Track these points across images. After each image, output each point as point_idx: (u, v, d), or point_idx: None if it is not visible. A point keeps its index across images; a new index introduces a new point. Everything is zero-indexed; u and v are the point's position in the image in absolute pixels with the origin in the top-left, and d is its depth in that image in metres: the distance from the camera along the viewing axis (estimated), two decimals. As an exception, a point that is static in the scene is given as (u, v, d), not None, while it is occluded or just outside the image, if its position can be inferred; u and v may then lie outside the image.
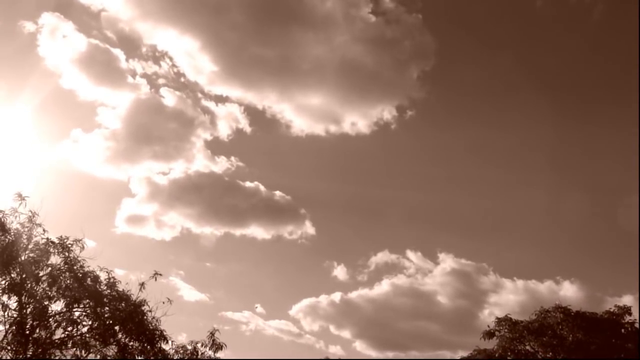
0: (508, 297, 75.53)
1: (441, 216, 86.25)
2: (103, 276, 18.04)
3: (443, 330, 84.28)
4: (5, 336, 17.20)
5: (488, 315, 78.15)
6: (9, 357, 17.14)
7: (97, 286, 17.64)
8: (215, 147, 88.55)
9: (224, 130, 79.64)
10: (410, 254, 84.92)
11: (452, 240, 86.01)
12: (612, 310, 30.18)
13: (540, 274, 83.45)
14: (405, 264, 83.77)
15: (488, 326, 31.54)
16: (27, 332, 16.94)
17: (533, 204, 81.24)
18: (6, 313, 17.16)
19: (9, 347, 17.19)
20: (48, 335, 16.97)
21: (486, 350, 30.76)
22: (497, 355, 29.94)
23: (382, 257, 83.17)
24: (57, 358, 17.20)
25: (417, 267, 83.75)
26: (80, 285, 17.20)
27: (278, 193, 79.73)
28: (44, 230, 17.99)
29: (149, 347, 18.10)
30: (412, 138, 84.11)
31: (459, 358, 32.09)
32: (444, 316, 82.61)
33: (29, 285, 17.25)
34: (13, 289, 16.90)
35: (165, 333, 18.50)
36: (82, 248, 17.98)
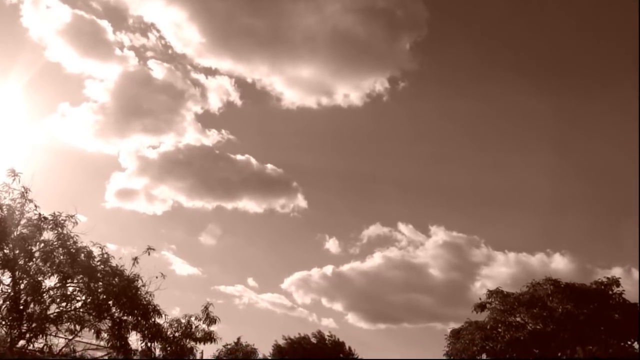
0: (500, 270, 76.20)
1: (433, 189, 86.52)
2: (96, 251, 18.11)
3: (435, 303, 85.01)
4: (0, 311, 17.26)
5: (480, 288, 78.92)
6: (3, 332, 17.26)
7: (91, 262, 17.69)
8: (206, 120, 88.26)
9: (214, 103, 79.16)
10: (402, 226, 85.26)
11: (444, 213, 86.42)
12: (600, 281, 30.61)
13: (531, 247, 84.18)
14: (397, 237, 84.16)
15: (480, 298, 32.04)
16: (21, 307, 17.02)
17: (525, 178, 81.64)
18: (0, 288, 17.21)
19: (3, 322, 17.27)
20: (42, 310, 17.04)
21: (477, 322, 31.21)
22: (488, 327, 30.39)
23: (374, 230, 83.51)
24: (51, 332, 17.31)
25: (409, 240, 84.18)
26: (74, 261, 17.25)
27: (270, 166, 79.64)
28: (35, 206, 17.95)
29: (143, 321, 18.25)
30: (404, 110, 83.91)
31: (450, 330, 32.49)
32: (435, 289, 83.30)
33: (22, 261, 17.28)
34: (6, 264, 16.93)
35: (158, 307, 18.65)
36: (75, 224, 18.00)
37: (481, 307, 31.45)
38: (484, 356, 30.42)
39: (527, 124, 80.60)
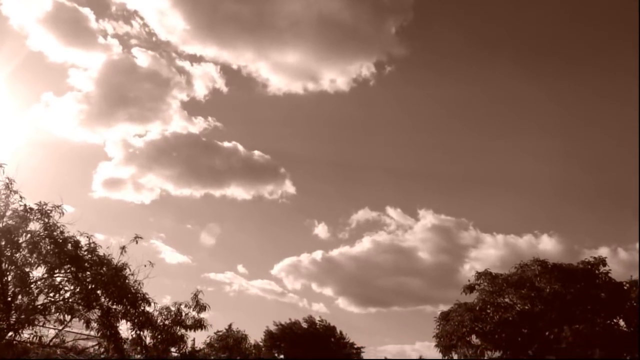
0: (488, 252, 76.76)
1: (421, 173, 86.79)
2: (83, 241, 18.03)
3: (424, 286, 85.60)
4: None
5: (469, 270, 79.48)
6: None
7: (78, 251, 17.60)
8: (192, 107, 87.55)
9: (200, 91, 78.60)
10: (390, 210, 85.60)
11: (432, 196, 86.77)
12: (587, 260, 30.91)
13: (519, 229, 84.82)
14: (386, 221, 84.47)
15: (468, 280, 32.25)
16: (9, 298, 16.93)
17: (513, 161, 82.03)
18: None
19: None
20: (30, 301, 16.97)
21: (467, 303, 31.42)
22: (477, 308, 30.62)
23: (362, 214, 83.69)
24: (40, 323, 17.26)
25: (398, 224, 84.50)
26: (61, 251, 17.16)
27: (257, 153, 79.44)
28: (21, 197, 17.81)
29: (132, 309, 18.24)
30: (391, 95, 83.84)
31: (440, 312, 32.71)
32: (425, 272, 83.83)
33: (9, 252, 17.16)
34: (-7, 256, 16.82)
35: (147, 296, 18.64)
36: (62, 214, 17.88)
37: (470, 288, 31.68)
38: (473, 337, 30.68)
39: (515, 107, 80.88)
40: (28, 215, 17.48)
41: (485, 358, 30.57)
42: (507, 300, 30.98)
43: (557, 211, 78.57)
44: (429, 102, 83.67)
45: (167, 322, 20.05)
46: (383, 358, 68.48)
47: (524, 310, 30.18)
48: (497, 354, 30.43)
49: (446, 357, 31.46)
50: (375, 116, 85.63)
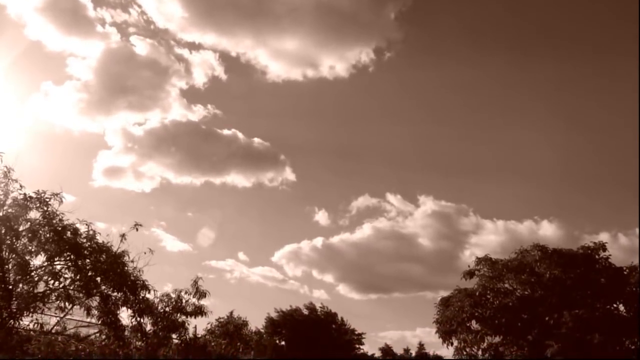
0: (489, 238, 76.90)
1: (421, 159, 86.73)
2: (82, 229, 18.04)
3: (425, 272, 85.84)
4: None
5: (469, 256, 79.71)
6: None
7: (77, 239, 17.64)
8: (191, 95, 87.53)
9: (199, 78, 78.47)
10: (390, 197, 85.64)
11: (432, 182, 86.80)
12: (587, 246, 30.94)
13: (519, 214, 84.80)
14: (386, 207, 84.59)
15: (468, 266, 32.38)
16: (10, 286, 16.99)
17: (513, 146, 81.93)
18: (-12, 269, 17.14)
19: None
20: (31, 289, 17.03)
21: (467, 289, 31.53)
22: (477, 293, 30.73)
23: (362, 201, 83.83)
24: (41, 311, 17.33)
25: (398, 210, 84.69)
26: (60, 239, 17.20)
27: (257, 140, 79.38)
28: (20, 186, 17.81)
29: (132, 297, 18.31)
30: (390, 80, 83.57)
31: (440, 298, 32.82)
32: (425, 258, 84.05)
33: (9, 240, 17.20)
34: (-6, 244, 16.86)
35: (147, 283, 18.70)
36: (61, 202, 17.90)
37: (470, 274, 31.78)
38: (473, 322, 30.82)
39: (515, 91, 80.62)
40: (27, 203, 17.48)
41: (485, 343, 30.73)
42: (507, 285, 31.11)
43: (557, 197, 78.63)
44: (428, 87, 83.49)
45: (167, 309, 20.18)
46: (384, 344, 68.85)
47: (523, 295, 30.30)
48: (497, 339, 30.60)
49: (446, 343, 31.65)
50: (375, 102, 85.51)
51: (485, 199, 79.42)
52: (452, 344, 31.61)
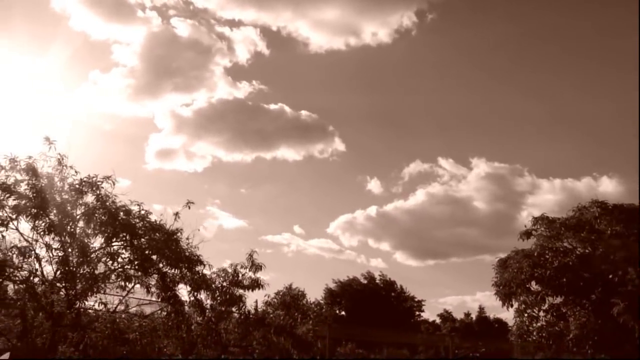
0: (545, 197, 75.30)
1: (471, 120, 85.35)
2: (135, 209, 18.48)
3: (482, 235, 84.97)
4: (55, 275, 17.93)
5: (526, 217, 78.25)
6: (62, 294, 17.94)
7: (130, 219, 18.10)
8: (236, 72, 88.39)
9: (242, 55, 79.19)
10: (442, 161, 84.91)
11: (484, 144, 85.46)
12: (650, 199, 29.88)
13: (577, 172, 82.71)
14: (439, 172, 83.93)
15: (525, 226, 31.66)
16: (73, 269, 17.62)
17: (566, 99, 79.41)
18: (51, 253, 17.80)
19: (60, 285, 17.94)
20: (91, 270, 17.64)
21: (524, 250, 30.98)
22: (535, 254, 30.13)
23: (414, 167, 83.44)
24: (103, 291, 17.96)
25: (451, 174, 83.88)
26: (115, 220, 17.68)
27: (304, 112, 79.76)
28: (75, 172, 18.31)
29: (188, 273, 18.74)
30: (434, 42, 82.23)
31: (497, 259, 32.36)
32: (481, 221, 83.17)
33: (68, 225, 17.79)
34: (53, 229, 17.46)
35: (202, 258, 19.08)
36: (113, 184, 18.35)
37: (527, 234, 31.14)
38: (533, 284, 30.30)
39: (567, 42, 78.01)
40: (82, 188, 17.99)
41: (547, 304, 30.22)
42: (566, 244, 30.34)
43: (617, 151, 75.99)
44: (473, 47, 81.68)
45: (224, 283, 20.58)
46: (443, 310, 68.68)
47: (584, 254, 29.51)
48: (558, 300, 30.03)
49: (506, 305, 31.25)
50: (420, 65, 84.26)
51: (540, 157, 77.80)
52: (512, 306, 31.21)
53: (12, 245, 17.34)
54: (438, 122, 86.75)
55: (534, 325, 30.73)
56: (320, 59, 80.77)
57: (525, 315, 30.80)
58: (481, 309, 67.76)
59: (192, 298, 19.31)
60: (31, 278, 17.50)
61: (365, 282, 68.66)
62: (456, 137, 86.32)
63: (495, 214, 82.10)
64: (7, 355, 17.16)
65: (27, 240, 17.52)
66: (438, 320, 67.68)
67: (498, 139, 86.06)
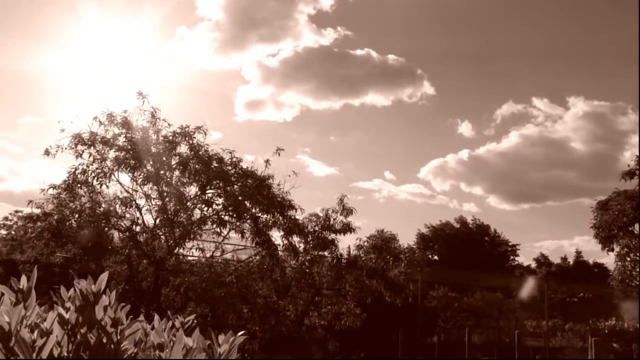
0: (652, 136, 70.50)
1: (565, 57, 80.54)
2: (226, 157, 18.91)
3: (580, 177, 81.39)
4: (154, 223, 18.82)
5: (630, 157, 73.85)
6: (163, 239, 18.88)
7: (223, 167, 18.57)
8: (320, 19, 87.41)
9: (325, 2, 78.00)
10: (536, 101, 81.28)
11: (581, 81, 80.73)
12: None
13: (687, 106, 76.68)
14: (533, 113, 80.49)
15: (628, 165, 29.97)
16: (171, 216, 18.40)
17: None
18: (150, 202, 18.65)
19: (160, 232, 18.85)
20: (188, 216, 18.35)
21: (627, 191, 29.46)
22: (638, 195, 28.61)
23: (507, 108, 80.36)
24: (199, 237, 18.69)
25: (546, 115, 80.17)
26: (208, 168, 18.20)
27: (391, 57, 78.06)
28: (168, 124, 18.89)
29: (280, 217, 19.13)
30: (529, -25, 77.40)
31: (596, 201, 30.99)
32: (579, 163, 79.51)
33: (164, 175, 18.52)
34: (151, 179, 18.24)
35: (293, 203, 19.37)
36: (205, 134, 18.83)
37: (630, 174, 29.48)
38: (636, 226, 28.90)
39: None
40: (176, 139, 18.57)
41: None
42: (673, 184, 28.60)
43: None
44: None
45: (316, 227, 20.91)
46: (539, 254, 66.87)
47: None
48: (664, 242, 28.57)
49: (606, 249, 30.06)
50: (509, 2, 80.00)
51: (645, 94, 72.42)
52: (612, 250, 29.96)
53: (115, 196, 18.33)
54: (530, 60, 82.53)
55: (637, 269, 29.43)
56: (405, 0, 78.32)
57: (628, 259, 29.50)
58: (578, 253, 65.52)
59: (286, 242, 19.76)
60: (133, 227, 18.48)
61: (458, 226, 67.88)
62: (551, 76, 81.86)
63: (595, 155, 78.20)
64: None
65: (127, 191, 18.45)
66: (533, 265, 66.04)
67: (597, 75, 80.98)
